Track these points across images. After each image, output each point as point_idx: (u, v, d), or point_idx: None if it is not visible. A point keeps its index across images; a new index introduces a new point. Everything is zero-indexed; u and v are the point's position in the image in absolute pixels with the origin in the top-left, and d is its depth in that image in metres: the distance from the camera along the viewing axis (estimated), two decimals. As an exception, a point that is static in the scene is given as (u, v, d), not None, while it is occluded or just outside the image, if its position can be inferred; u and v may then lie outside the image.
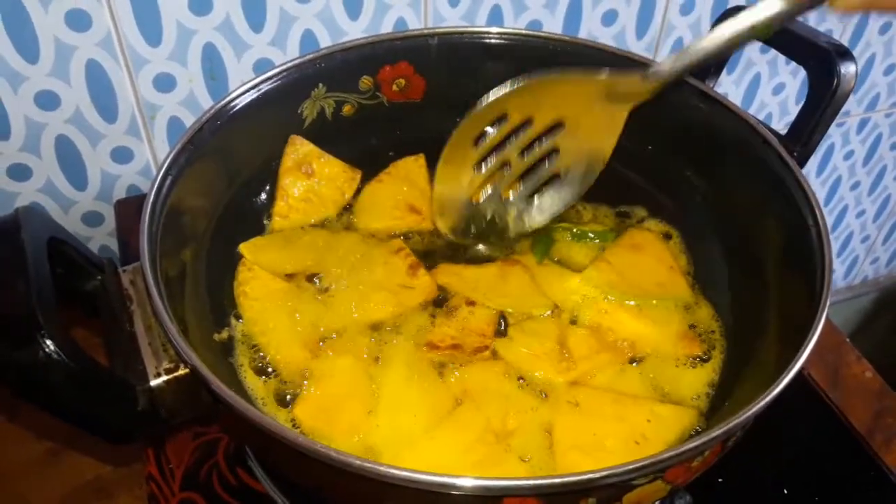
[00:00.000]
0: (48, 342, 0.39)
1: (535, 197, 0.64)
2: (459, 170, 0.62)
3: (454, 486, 0.38)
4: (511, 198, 0.64)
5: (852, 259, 1.50)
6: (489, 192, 0.63)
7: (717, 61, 0.64)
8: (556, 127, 0.59)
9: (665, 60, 0.55)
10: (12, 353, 0.40)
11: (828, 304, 0.47)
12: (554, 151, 0.60)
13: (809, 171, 1.26)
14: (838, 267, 1.49)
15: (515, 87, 0.57)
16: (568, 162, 0.60)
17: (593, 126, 0.58)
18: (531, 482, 0.39)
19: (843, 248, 1.46)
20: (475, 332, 0.58)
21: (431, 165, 0.71)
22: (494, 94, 0.57)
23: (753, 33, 0.50)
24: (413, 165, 0.70)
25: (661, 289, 0.62)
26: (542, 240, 0.65)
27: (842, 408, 0.68)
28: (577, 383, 0.55)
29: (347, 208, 0.68)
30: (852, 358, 0.74)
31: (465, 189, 0.63)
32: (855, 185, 1.34)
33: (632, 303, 0.61)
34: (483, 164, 0.62)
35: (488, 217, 0.64)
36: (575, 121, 0.58)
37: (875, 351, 0.99)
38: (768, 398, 0.42)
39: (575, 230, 0.66)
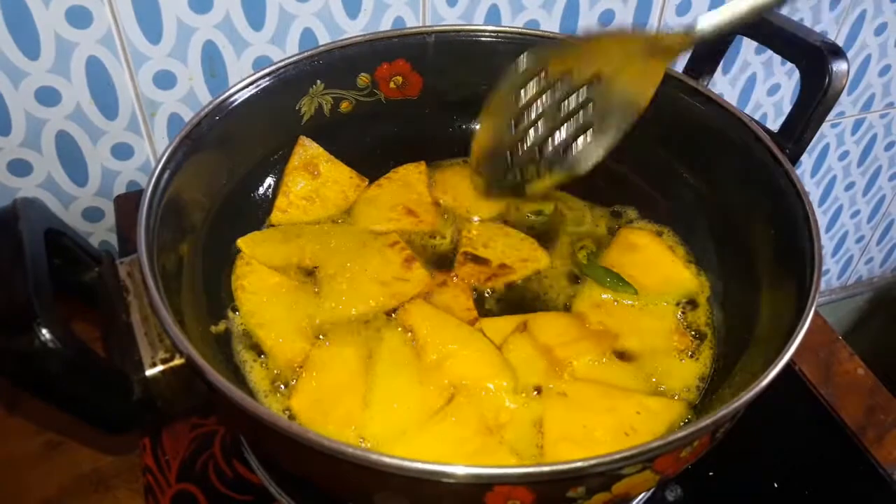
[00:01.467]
0: (44, 331, 0.40)
1: (570, 149, 0.60)
2: (499, 123, 0.61)
3: (445, 474, 0.39)
4: (546, 150, 0.60)
5: (847, 259, 1.50)
6: (526, 145, 0.61)
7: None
8: (593, 80, 0.58)
9: (709, 15, 0.53)
10: (8, 342, 0.40)
11: (817, 297, 0.48)
12: (589, 102, 0.58)
13: (804, 171, 1.26)
14: (833, 267, 1.50)
15: (558, 46, 0.56)
16: (602, 113, 0.58)
17: (631, 79, 0.57)
18: (521, 470, 0.40)
19: (838, 248, 1.47)
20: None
21: (430, 167, 0.72)
22: (536, 54, 0.57)
23: None
24: (413, 171, 0.71)
25: (668, 284, 0.62)
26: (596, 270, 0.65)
27: (834, 404, 0.69)
28: (568, 376, 0.55)
29: (347, 212, 0.69)
30: (844, 355, 0.74)
31: (503, 143, 0.61)
32: (850, 186, 1.35)
33: (629, 302, 0.61)
34: (521, 119, 0.60)
35: (521, 171, 0.62)
36: (613, 75, 0.57)
37: (869, 350, 1.00)
38: (756, 390, 0.43)
39: (608, 280, 0.64)
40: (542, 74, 0.58)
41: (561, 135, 0.60)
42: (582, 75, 0.57)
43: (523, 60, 0.58)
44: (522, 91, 0.59)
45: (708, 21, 0.52)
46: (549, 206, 0.70)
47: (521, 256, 0.65)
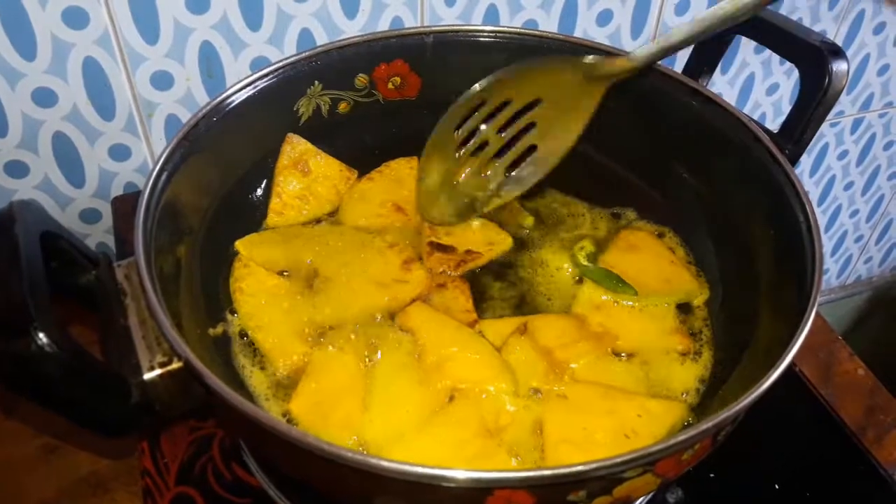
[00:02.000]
0: (40, 335, 0.39)
1: (514, 170, 0.64)
2: (442, 160, 0.63)
3: (445, 478, 0.38)
4: (490, 172, 0.64)
5: (846, 258, 1.50)
6: (469, 171, 0.64)
7: (707, 55, 0.65)
8: (533, 104, 0.60)
9: (646, 45, 0.57)
10: (5, 346, 0.39)
11: (818, 298, 0.47)
12: (531, 125, 0.61)
13: (803, 171, 1.26)
14: (832, 266, 1.50)
15: (497, 77, 0.57)
16: (544, 134, 0.61)
17: (570, 102, 0.60)
18: (522, 474, 0.40)
19: (837, 247, 1.47)
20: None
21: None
22: (477, 87, 0.59)
23: (731, 17, 0.52)
24: (405, 166, 0.71)
25: (668, 285, 0.62)
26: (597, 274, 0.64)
27: (834, 404, 0.69)
28: (568, 378, 0.55)
29: (339, 206, 0.68)
30: (844, 355, 0.74)
31: (448, 175, 0.64)
32: (849, 186, 1.35)
33: (629, 303, 0.61)
34: (463, 148, 0.63)
35: (468, 195, 0.65)
36: (553, 98, 0.60)
37: (869, 349, 1.00)
38: (758, 392, 0.42)
39: (608, 281, 0.63)
40: (484, 105, 0.60)
41: (506, 157, 0.63)
42: (522, 100, 0.60)
43: (463, 96, 0.60)
44: (466, 122, 0.61)
45: (646, 49, 0.57)
46: (529, 219, 0.69)
47: (486, 240, 0.66)
